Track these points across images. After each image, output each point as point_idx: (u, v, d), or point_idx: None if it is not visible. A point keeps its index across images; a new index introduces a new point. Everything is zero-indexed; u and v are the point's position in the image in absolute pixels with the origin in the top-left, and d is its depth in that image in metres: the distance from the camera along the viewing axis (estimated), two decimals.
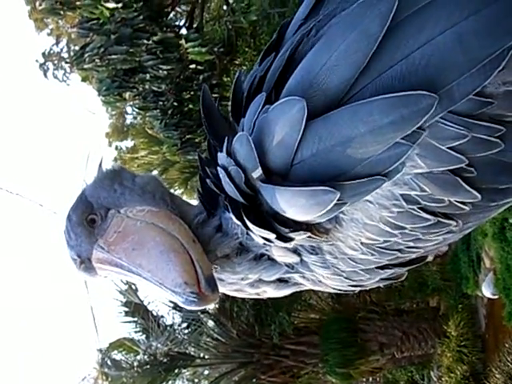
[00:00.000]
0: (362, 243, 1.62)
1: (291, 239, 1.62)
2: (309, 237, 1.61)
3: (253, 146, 1.52)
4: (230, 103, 1.75)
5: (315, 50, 1.48)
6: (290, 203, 1.52)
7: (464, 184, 1.45)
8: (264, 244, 1.71)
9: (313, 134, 1.45)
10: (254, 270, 1.79)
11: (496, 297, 9.29)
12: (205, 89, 1.83)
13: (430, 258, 1.84)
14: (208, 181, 1.73)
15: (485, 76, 1.33)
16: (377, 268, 1.71)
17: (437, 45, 1.34)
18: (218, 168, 1.65)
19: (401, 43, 1.37)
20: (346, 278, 1.74)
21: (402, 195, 1.50)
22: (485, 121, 1.39)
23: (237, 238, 1.76)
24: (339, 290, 1.82)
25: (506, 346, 8.17)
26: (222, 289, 1.88)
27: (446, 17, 1.33)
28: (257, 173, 1.55)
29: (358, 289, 1.83)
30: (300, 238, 1.61)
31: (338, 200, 1.46)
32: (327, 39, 1.47)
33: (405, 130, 1.38)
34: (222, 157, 1.64)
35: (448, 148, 1.41)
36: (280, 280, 1.83)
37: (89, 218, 1.79)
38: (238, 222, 1.66)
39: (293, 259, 1.73)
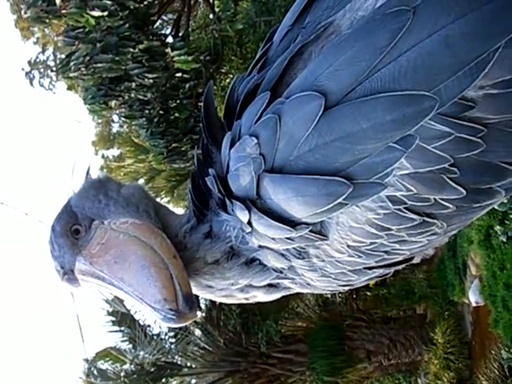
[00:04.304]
0: (348, 246, 1.62)
1: (292, 240, 1.62)
2: (306, 234, 1.60)
3: (278, 129, 1.50)
4: (223, 107, 1.75)
5: (323, 54, 1.50)
6: (299, 193, 1.51)
7: (450, 181, 1.47)
8: (259, 247, 1.71)
9: (314, 129, 1.45)
10: (245, 275, 1.79)
11: (482, 304, 9.33)
12: (210, 85, 1.83)
13: (417, 260, 1.85)
14: (208, 179, 1.71)
15: (471, 78, 1.34)
16: (364, 269, 1.72)
17: (425, 48, 1.35)
18: (238, 156, 1.60)
19: (390, 47, 1.38)
20: (334, 279, 1.75)
21: (388, 197, 1.50)
22: (467, 121, 1.41)
23: (229, 241, 1.75)
24: (328, 290, 1.83)
25: (493, 352, 8.18)
26: (210, 295, 1.88)
27: (433, 20, 1.35)
28: (269, 162, 1.54)
29: (347, 288, 1.84)
30: (301, 233, 1.59)
31: (344, 199, 1.47)
32: (337, 45, 1.48)
33: (405, 130, 1.39)
34: (249, 142, 1.58)
35: (433, 148, 1.42)
36: (270, 285, 1.83)
37: (73, 229, 1.79)
38: (244, 220, 1.64)
39: (283, 264, 1.73)
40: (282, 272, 1.77)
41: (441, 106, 1.37)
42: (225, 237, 1.76)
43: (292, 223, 1.59)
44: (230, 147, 1.64)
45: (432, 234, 1.61)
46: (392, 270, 1.79)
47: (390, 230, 1.57)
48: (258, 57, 1.74)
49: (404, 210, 1.53)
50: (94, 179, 1.88)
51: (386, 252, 1.65)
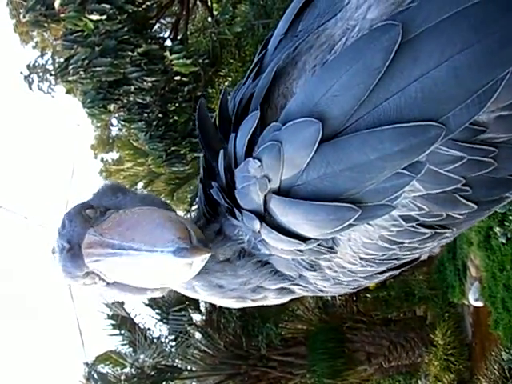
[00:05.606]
0: (360, 258, 1.66)
1: (302, 251, 1.64)
2: (315, 247, 1.63)
3: (282, 157, 1.51)
4: (217, 119, 1.77)
5: (318, 76, 1.51)
6: (308, 217, 1.53)
7: (462, 199, 1.51)
8: (270, 255, 1.74)
9: (321, 157, 1.46)
10: (258, 274, 1.80)
11: (482, 305, 9.33)
12: (201, 102, 1.84)
13: (424, 257, 1.90)
14: (213, 191, 1.72)
15: (479, 106, 1.36)
16: (375, 274, 1.77)
17: (432, 78, 1.35)
18: (243, 176, 1.61)
19: (395, 75, 1.38)
20: (346, 285, 1.80)
21: (401, 216, 1.54)
22: (479, 144, 1.44)
23: (241, 242, 1.77)
24: (340, 293, 1.88)
25: (493, 354, 8.18)
26: (220, 298, 1.90)
27: (439, 50, 1.35)
28: (274, 183, 1.55)
29: (357, 289, 1.89)
30: (310, 246, 1.62)
31: (353, 221, 1.49)
32: (330, 67, 1.48)
33: (411, 158, 1.41)
34: (253, 164, 1.58)
35: (446, 171, 1.45)
36: (282, 288, 1.86)
37: (87, 211, 1.75)
38: (255, 229, 1.65)
39: (293, 272, 1.77)
40: (293, 280, 1.80)
41: (448, 134, 1.38)
42: (237, 238, 1.78)
43: (301, 238, 1.60)
44: (227, 165, 1.66)
45: (442, 239, 1.66)
46: (399, 271, 1.83)
47: (402, 243, 1.61)
48: (253, 65, 1.76)
49: (416, 226, 1.57)
50: (112, 184, 1.92)
51: (396, 259, 1.70)
